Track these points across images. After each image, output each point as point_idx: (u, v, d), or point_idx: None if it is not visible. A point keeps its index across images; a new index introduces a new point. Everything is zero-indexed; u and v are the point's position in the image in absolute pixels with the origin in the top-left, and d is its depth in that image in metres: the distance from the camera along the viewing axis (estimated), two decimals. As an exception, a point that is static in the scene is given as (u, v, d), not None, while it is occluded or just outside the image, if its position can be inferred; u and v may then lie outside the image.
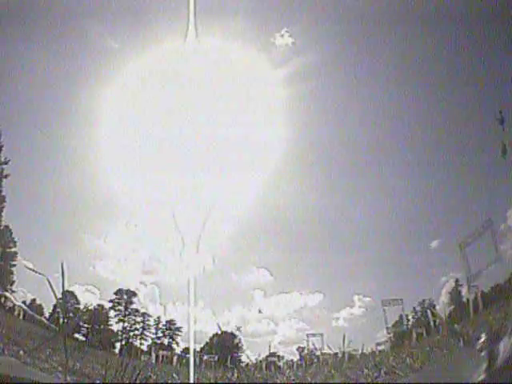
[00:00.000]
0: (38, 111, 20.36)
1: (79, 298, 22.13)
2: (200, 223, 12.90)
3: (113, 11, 18.47)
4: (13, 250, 22.09)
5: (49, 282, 5.90)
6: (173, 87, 17.11)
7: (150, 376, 6.35)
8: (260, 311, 22.50)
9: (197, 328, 20.72)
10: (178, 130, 16.84)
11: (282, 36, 20.89)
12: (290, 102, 19.73)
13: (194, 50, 15.36)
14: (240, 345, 24.26)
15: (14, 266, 21.98)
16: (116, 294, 24.51)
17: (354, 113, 20.79)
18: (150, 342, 24.33)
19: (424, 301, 21.78)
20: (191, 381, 6.97)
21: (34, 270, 7.92)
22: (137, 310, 24.67)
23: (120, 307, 24.45)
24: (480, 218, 18.68)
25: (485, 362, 3.22)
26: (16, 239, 22.16)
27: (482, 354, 3.32)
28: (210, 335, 24.07)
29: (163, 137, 17.47)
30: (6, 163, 21.38)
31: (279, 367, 17.24)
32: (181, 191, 16.35)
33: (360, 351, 11.38)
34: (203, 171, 16.96)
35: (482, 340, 3.55)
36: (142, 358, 22.22)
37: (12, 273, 21.93)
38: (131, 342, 24.10)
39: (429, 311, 20.36)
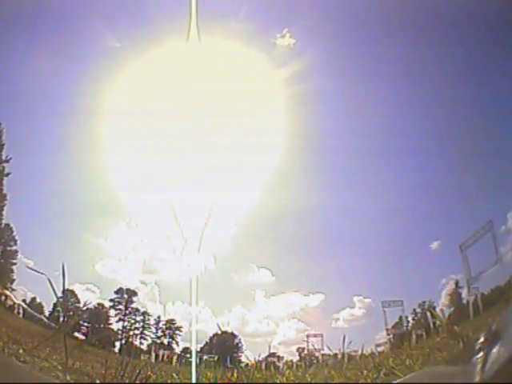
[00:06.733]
0: (40, 110, 20.40)
1: (79, 296, 22.19)
2: (201, 222, 12.90)
3: (114, 11, 18.55)
4: (13, 248, 22.14)
5: (49, 281, 5.89)
6: (174, 87, 17.13)
7: (150, 375, 6.35)
8: None
9: (197, 328, 20.77)
10: (179, 130, 16.86)
11: (284, 36, 20.91)
12: (291, 103, 19.73)
13: (196, 50, 15.38)
14: (240, 345, 24.29)
15: (15, 264, 22.04)
16: (116, 293, 24.57)
17: (356, 113, 20.78)
18: (149, 341, 24.39)
19: (424, 302, 21.79)
20: (193, 381, 6.96)
21: (34, 269, 7.93)
22: (137, 310, 24.72)
23: (120, 306, 24.49)
24: (481, 220, 18.72)
25: (484, 362, 3.22)
26: (17, 237, 22.24)
27: (482, 354, 3.33)
28: (210, 335, 24.14)
29: (164, 136, 17.49)
30: (7, 161, 21.43)
31: (279, 367, 17.24)
32: (182, 190, 16.38)
33: (360, 352, 11.36)
34: (204, 170, 17.00)
35: (482, 340, 3.55)
36: (142, 357, 22.26)
37: (12, 271, 21.99)
38: (131, 341, 24.14)
39: (429, 313, 20.35)
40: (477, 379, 3.25)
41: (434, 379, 4.17)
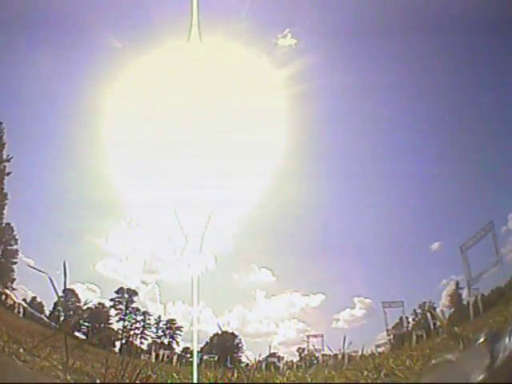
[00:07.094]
0: (41, 110, 20.44)
1: (80, 296, 22.21)
2: (203, 222, 12.89)
3: (115, 10, 18.57)
4: (14, 247, 22.18)
5: (50, 280, 5.90)
6: (175, 87, 17.12)
7: (150, 375, 6.34)
8: None
9: (197, 327, 20.81)
10: (181, 130, 16.86)
11: (285, 37, 20.92)
12: (293, 103, 19.74)
13: (197, 50, 15.37)
14: (240, 345, 24.30)
15: (15, 263, 22.08)
16: (117, 292, 24.60)
17: (357, 114, 20.79)
18: (150, 341, 24.41)
19: (424, 303, 21.79)
20: (194, 381, 6.96)
21: (35, 268, 7.94)
22: (137, 309, 24.73)
23: (121, 306, 24.50)
24: (481, 221, 18.72)
25: (484, 361, 3.22)
26: (17, 236, 22.27)
27: (482, 353, 3.32)
28: (211, 335, 24.16)
29: (165, 136, 17.49)
30: (8, 161, 21.47)
31: (279, 368, 17.23)
32: (183, 190, 16.37)
33: (360, 353, 11.35)
34: (206, 170, 16.99)
35: (482, 340, 3.55)
36: (142, 357, 22.27)
37: (13, 270, 22.02)
38: (131, 341, 24.14)
39: (429, 314, 20.34)
40: (477, 379, 3.25)
41: (434, 380, 4.18)
